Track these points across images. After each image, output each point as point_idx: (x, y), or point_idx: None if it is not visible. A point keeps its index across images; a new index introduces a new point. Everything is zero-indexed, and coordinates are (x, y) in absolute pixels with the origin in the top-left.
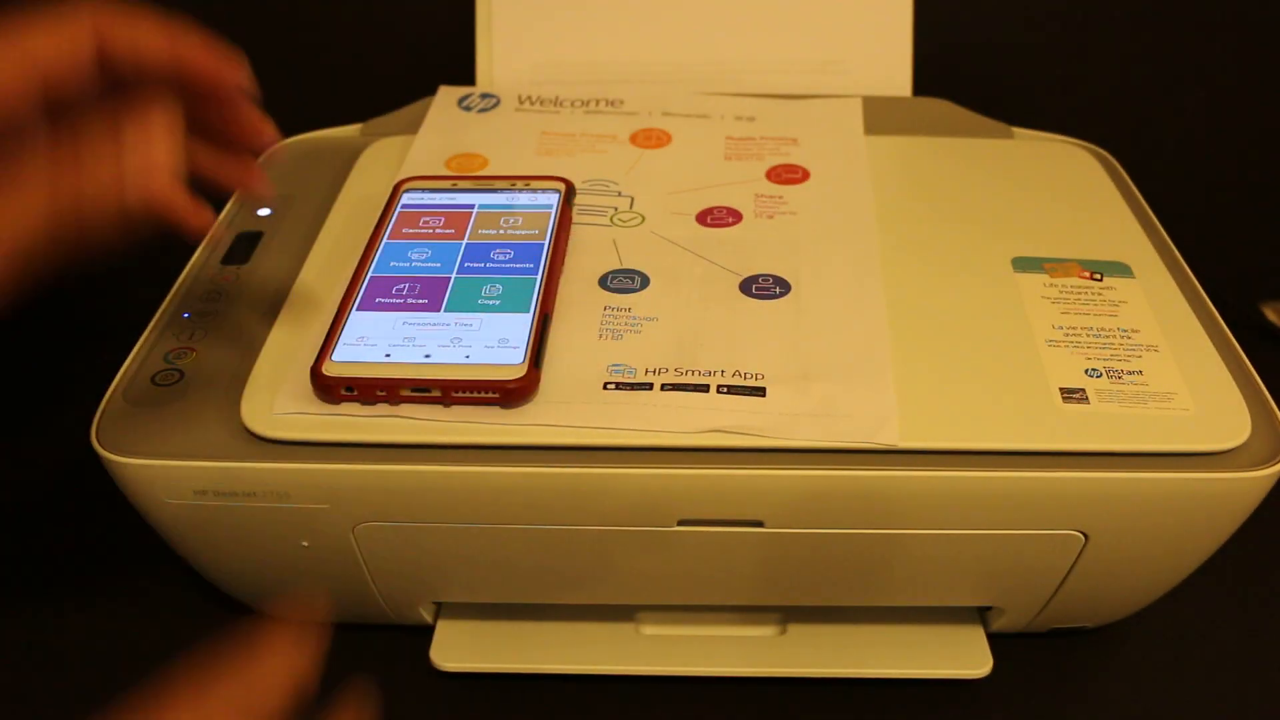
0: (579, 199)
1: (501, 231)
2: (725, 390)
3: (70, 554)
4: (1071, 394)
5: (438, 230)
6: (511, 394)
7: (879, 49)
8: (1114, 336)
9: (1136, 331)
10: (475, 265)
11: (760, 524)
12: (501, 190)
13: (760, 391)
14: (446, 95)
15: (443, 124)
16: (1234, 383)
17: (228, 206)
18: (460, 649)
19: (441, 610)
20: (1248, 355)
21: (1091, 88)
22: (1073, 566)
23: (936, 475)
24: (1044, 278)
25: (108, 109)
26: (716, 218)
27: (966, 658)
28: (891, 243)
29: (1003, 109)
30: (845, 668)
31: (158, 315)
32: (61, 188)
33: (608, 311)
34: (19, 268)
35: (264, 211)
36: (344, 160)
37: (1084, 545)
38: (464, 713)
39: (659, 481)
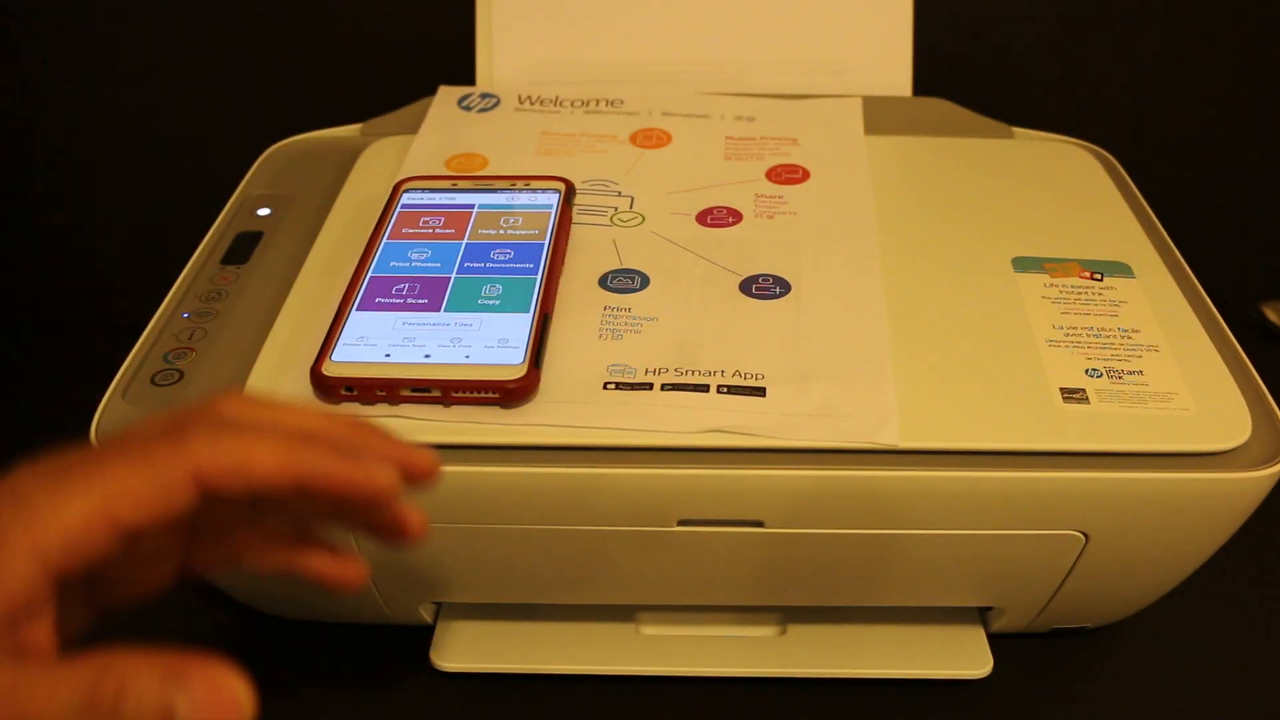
0: (579, 199)
1: (501, 231)
2: (725, 390)
3: None
4: (1072, 394)
5: (438, 230)
6: (511, 394)
7: (879, 49)
8: (1114, 336)
9: (1137, 331)
10: (475, 265)
11: (760, 524)
12: (501, 190)
13: (760, 391)
14: (446, 95)
15: (443, 124)
16: (1234, 383)
17: (228, 206)
18: (460, 649)
19: (441, 610)
20: (1248, 355)
21: (1091, 88)
22: (1073, 567)
23: (937, 475)
24: (1044, 278)
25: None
26: (716, 218)
27: (967, 658)
28: (891, 243)
29: (1003, 109)
30: (845, 668)
31: (158, 315)
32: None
33: (608, 311)
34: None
35: (264, 211)
36: (344, 160)
37: (1084, 545)
38: (464, 713)
39: (659, 481)
